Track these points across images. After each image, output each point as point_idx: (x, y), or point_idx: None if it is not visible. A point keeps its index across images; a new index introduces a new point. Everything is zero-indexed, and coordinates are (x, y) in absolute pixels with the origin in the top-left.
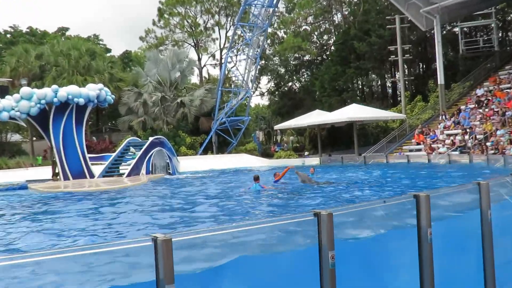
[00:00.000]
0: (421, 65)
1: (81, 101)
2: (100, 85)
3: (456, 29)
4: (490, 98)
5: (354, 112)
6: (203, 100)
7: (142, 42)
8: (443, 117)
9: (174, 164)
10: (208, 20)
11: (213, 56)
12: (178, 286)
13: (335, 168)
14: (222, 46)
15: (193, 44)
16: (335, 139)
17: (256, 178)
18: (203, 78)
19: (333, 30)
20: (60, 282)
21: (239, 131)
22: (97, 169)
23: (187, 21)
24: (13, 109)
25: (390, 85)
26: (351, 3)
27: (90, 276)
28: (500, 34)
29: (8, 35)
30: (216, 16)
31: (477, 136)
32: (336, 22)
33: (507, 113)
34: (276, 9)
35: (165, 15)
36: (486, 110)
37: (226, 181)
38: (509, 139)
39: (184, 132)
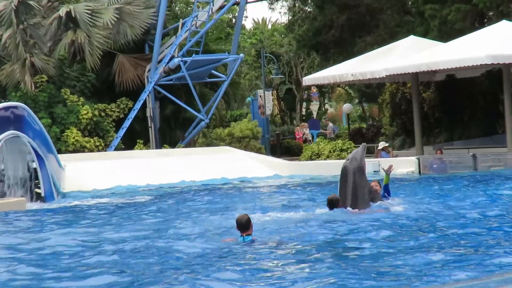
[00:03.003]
0: None
1: None
2: None
3: None
4: None
5: (505, 43)
6: (124, 11)
7: None
8: None
9: (51, 174)
10: None
11: None
12: None
13: (456, 184)
14: None
15: None
16: (456, 111)
17: (244, 226)
18: None
19: None
20: None
21: (215, 92)
22: None
23: None
24: None
25: None
26: None
27: None
28: None
29: None
30: None
31: None
32: None
33: None
34: None
35: None
36: None
37: (180, 214)
38: None
39: (77, 91)
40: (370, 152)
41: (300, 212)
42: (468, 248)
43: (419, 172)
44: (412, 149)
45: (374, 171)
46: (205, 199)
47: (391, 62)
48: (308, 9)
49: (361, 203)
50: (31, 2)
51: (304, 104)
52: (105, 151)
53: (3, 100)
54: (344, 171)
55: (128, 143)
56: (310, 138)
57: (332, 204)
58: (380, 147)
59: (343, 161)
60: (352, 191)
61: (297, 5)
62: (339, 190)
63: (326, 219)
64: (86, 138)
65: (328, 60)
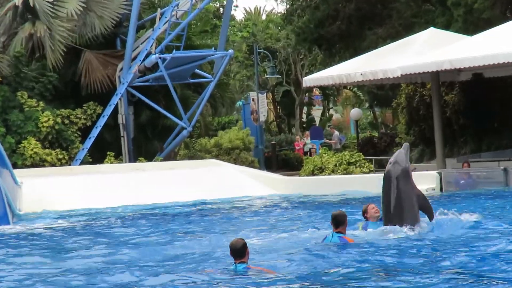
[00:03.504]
0: None
1: None
2: None
3: None
4: None
5: None
6: (92, 0)
7: None
8: None
9: (5, 192)
10: None
11: None
12: None
13: (485, 203)
14: None
15: None
16: (484, 117)
17: (239, 252)
18: None
19: None
20: None
21: (199, 95)
22: None
23: None
24: None
25: None
26: None
27: None
28: None
29: None
30: None
31: None
32: None
33: None
34: None
35: None
36: None
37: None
38: None
39: (36, 95)
40: (384, 166)
41: (300, 235)
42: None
43: (441, 189)
44: (432, 162)
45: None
46: (187, 222)
47: (407, 59)
48: None
49: (408, 215)
50: None
51: (305, 109)
52: (69, 165)
53: None
54: (387, 176)
55: (96, 156)
56: (311, 149)
57: (337, 221)
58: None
59: (350, 176)
60: (397, 201)
61: None
62: (382, 201)
63: (329, 245)
64: (47, 150)
65: (333, 56)
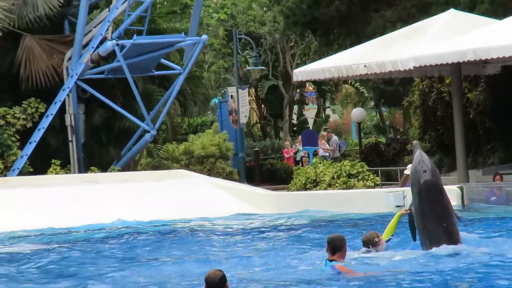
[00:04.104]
0: None
1: None
2: None
3: None
4: None
5: None
6: None
7: None
8: None
9: None
10: None
11: None
12: None
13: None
14: None
15: None
16: None
17: (217, 286)
18: None
19: None
20: None
21: (165, 90)
22: None
23: None
24: None
25: None
26: None
27: None
28: None
29: None
30: None
31: None
32: None
33: None
34: None
35: None
36: None
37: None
38: None
39: None
40: (393, 178)
41: (288, 265)
42: None
43: (462, 206)
44: (452, 174)
45: (397, 205)
46: (150, 246)
47: (421, 48)
48: None
49: (457, 229)
50: None
51: (296, 108)
52: (5, 175)
53: None
54: (430, 186)
55: (38, 165)
56: (302, 159)
57: (333, 247)
58: (407, 172)
59: (350, 191)
60: (446, 214)
61: None
62: (423, 218)
63: (327, 276)
64: None
65: (330, 44)
